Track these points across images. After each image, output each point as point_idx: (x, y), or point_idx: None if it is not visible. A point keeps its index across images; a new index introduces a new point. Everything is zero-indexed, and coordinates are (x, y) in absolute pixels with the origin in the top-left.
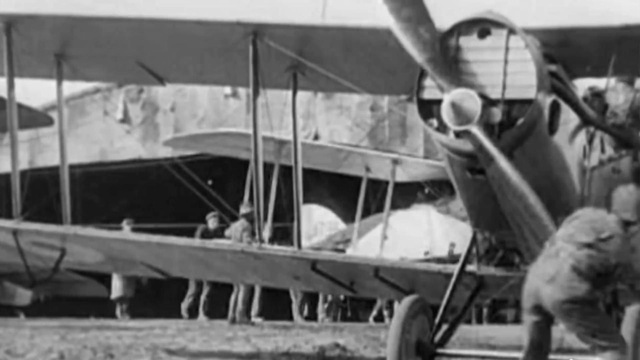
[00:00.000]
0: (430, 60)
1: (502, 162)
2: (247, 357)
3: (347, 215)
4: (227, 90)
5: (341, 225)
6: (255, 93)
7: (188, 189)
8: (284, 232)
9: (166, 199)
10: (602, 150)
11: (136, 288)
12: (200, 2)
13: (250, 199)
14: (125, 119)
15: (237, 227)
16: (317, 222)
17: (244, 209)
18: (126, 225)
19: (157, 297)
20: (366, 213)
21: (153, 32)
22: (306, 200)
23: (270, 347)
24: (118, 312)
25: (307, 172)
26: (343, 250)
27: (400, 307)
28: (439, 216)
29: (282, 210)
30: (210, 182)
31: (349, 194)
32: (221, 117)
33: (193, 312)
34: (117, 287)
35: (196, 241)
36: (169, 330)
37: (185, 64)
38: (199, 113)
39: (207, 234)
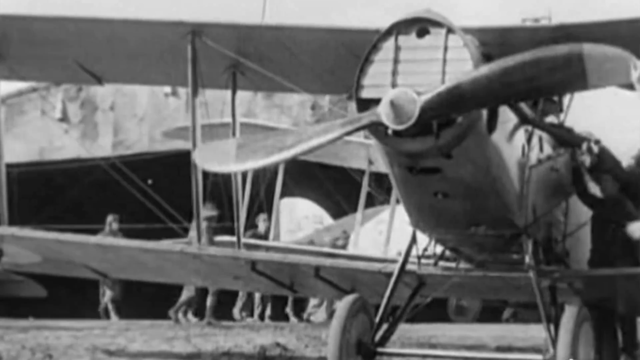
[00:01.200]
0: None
1: None
2: (188, 357)
3: (337, 210)
4: (167, 89)
5: (327, 219)
6: (194, 92)
7: (133, 188)
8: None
9: (107, 199)
10: (541, 149)
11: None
12: (139, 2)
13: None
14: (64, 118)
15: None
16: (301, 216)
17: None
18: (114, 222)
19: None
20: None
21: (91, 31)
22: (290, 194)
23: (210, 347)
24: (112, 314)
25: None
26: (343, 247)
27: (341, 307)
28: None
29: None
30: (150, 181)
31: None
32: (161, 116)
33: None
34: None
35: (134, 242)
36: (109, 331)
37: (124, 64)
38: (139, 112)
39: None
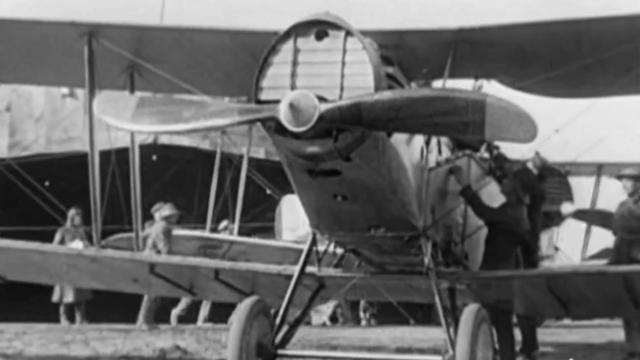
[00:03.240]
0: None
1: None
2: None
3: None
4: (65, 90)
5: None
6: (91, 94)
7: (29, 190)
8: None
9: (3, 200)
10: (440, 152)
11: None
12: (38, 1)
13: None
14: None
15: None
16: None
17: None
18: (76, 217)
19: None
20: None
21: None
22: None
23: (109, 351)
24: (77, 316)
25: None
26: None
27: (240, 309)
28: None
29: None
30: (47, 183)
31: None
32: (58, 117)
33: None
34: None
35: (32, 244)
36: (5, 334)
37: (20, 64)
38: (36, 113)
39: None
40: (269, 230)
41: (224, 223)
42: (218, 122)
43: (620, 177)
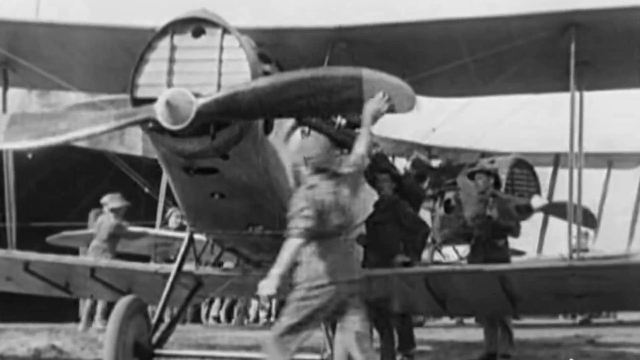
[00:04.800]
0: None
1: None
2: None
3: None
4: None
5: None
6: None
7: None
8: None
9: None
10: None
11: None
12: None
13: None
14: None
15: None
16: None
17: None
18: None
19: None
20: None
21: None
22: None
23: None
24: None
25: None
26: None
27: (117, 308)
28: None
29: None
30: None
31: None
32: None
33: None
34: None
35: None
36: None
37: None
38: None
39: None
40: None
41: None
42: (95, 129)
43: (473, 174)
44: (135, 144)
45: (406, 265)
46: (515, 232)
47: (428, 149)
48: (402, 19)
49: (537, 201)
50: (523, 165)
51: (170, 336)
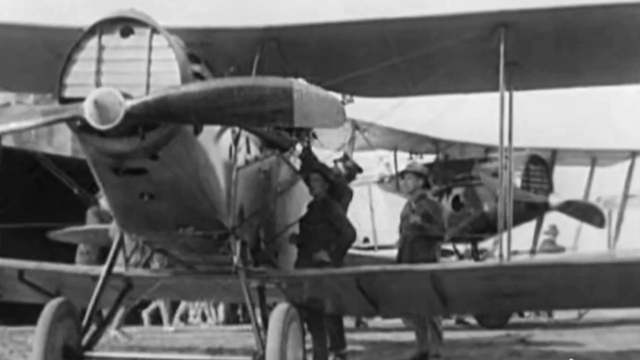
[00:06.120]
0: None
1: None
2: None
3: None
4: None
5: None
6: None
7: None
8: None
9: None
10: (248, 151)
11: None
12: None
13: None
14: None
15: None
16: None
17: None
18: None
19: None
20: None
21: None
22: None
23: None
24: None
25: None
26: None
27: (45, 311)
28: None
29: None
30: None
31: None
32: None
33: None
34: None
35: None
36: None
37: None
38: None
39: (100, 215)
40: None
41: None
42: (22, 124)
43: (403, 174)
44: (64, 144)
45: (324, 265)
46: (433, 235)
47: (435, 142)
48: (335, 19)
49: (555, 199)
50: (538, 161)
51: (100, 338)
